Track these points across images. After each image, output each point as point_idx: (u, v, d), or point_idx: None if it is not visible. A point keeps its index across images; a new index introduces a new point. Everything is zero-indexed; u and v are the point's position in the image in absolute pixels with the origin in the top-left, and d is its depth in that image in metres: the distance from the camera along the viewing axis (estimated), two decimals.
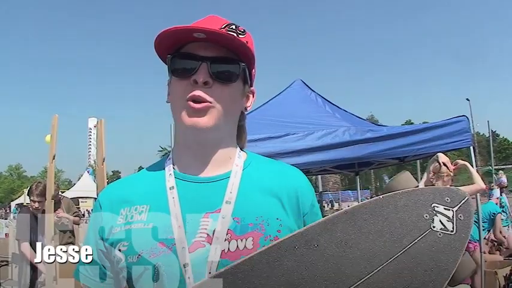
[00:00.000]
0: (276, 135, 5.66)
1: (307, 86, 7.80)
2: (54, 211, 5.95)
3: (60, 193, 7.00)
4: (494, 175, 18.97)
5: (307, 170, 8.43)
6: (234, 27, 1.26)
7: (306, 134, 5.75)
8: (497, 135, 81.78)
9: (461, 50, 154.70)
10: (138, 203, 1.25)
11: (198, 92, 1.20)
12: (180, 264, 1.15)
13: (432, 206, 1.19)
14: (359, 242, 1.13)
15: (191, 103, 1.20)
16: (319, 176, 12.12)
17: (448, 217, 1.17)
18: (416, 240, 1.15)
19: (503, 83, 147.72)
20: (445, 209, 1.18)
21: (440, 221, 1.17)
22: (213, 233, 1.17)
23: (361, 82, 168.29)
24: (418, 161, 13.10)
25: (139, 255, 1.17)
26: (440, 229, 1.16)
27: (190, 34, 1.19)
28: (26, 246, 5.86)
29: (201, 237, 1.18)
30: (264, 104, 7.38)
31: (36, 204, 5.99)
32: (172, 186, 1.25)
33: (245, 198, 1.24)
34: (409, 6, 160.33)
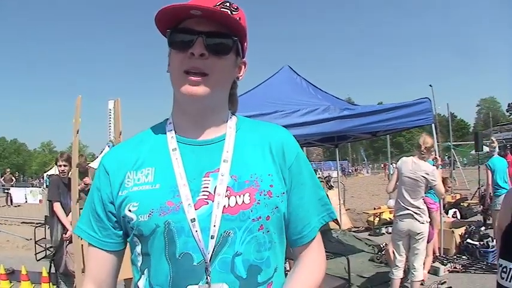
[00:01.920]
0: (265, 112, 5.65)
1: (294, 71, 7.76)
2: (82, 179, 5.93)
3: (87, 164, 6.99)
4: (452, 149, 19.22)
5: None
6: (228, 4, 1.20)
7: (291, 112, 5.75)
8: (455, 116, 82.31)
9: (430, 42, 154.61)
10: (144, 165, 1.22)
11: (195, 63, 1.16)
12: (188, 220, 1.13)
13: None
14: None
15: (190, 76, 1.17)
16: (304, 149, 12.13)
17: None
18: None
19: (462, 71, 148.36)
20: None
21: None
22: (214, 191, 1.16)
23: (342, 68, 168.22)
24: (388, 135, 13.20)
25: (150, 213, 1.14)
26: None
27: (188, 11, 1.14)
28: (57, 206, 5.80)
29: (204, 195, 1.16)
30: (255, 87, 7.38)
31: (62, 168, 5.96)
32: (175, 148, 1.22)
33: (240, 157, 1.22)
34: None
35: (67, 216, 5.64)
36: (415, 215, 4.98)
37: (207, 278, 1.11)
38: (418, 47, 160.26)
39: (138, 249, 1.21)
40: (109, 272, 1.29)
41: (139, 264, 1.22)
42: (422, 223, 4.99)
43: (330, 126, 5.87)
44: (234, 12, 1.19)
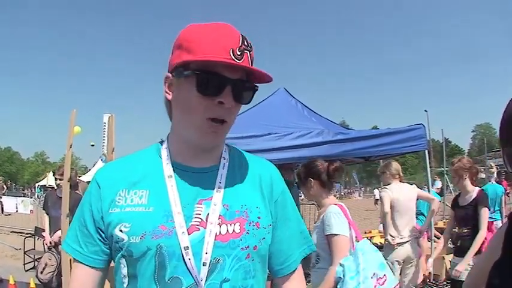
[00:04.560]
0: (258, 134, 5.69)
1: (289, 93, 7.81)
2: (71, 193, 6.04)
3: (78, 177, 7.07)
4: (445, 174, 19.21)
5: (287, 166, 8.47)
6: (246, 43, 1.20)
7: (285, 134, 5.78)
8: (450, 141, 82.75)
9: (426, 67, 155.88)
10: (138, 187, 1.23)
11: (221, 113, 1.19)
12: (181, 247, 1.15)
13: None
14: None
15: (213, 125, 1.19)
16: (296, 171, 12.12)
17: None
18: None
19: (458, 97, 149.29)
20: None
21: None
22: (206, 218, 1.19)
23: (337, 93, 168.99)
24: (381, 160, 13.20)
25: (142, 236, 1.15)
26: None
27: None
28: (43, 218, 6.32)
29: (196, 221, 1.18)
30: (249, 108, 7.38)
31: (58, 181, 6.37)
32: (171, 175, 1.24)
33: (232, 187, 1.26)
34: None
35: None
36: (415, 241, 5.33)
37: None
38: (414, 72, 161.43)
39: (125, 271, 1.22)
40: (94, 286, 1.29)
41: (124, 286, 1.23)
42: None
43: (323, 150, 5.86)
44: (250, 51, 1.21)
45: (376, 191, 32.21)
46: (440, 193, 20.36)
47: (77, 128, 5.75)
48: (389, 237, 5.21)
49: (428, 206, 5.76)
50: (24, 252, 9.25)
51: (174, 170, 1.26)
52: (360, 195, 51.55)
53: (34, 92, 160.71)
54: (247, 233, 1.21)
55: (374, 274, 2.74)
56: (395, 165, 5.52)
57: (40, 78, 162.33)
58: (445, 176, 18.39)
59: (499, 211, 7.91)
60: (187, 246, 1.15)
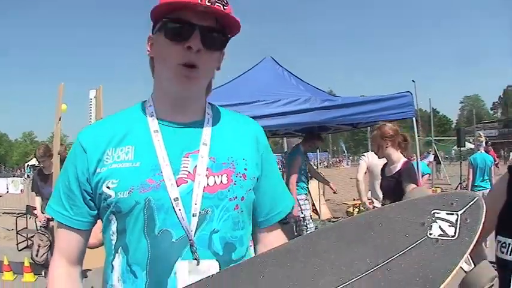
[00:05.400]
0: (245, 102, 5.63)
1: (276, 62, 7.74)
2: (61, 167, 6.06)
3: (67, 153, 7.05)
4: (433, 144, 19.42)
5: (274, 132, 8.55)
6: None
7: (272, 101, 5.74)
8: (438, 112, 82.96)
9: (415, 37, 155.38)
10: (124, 144, 1.24)
11: (191, 58, 1.20)
12: (171, 198, 1.16)
13: (432, 213, 1.04)
14: (340, 253, 1.04)
15: (184, 70, 1.20)
16: (285, 140, 12.16)
17: (451, 222, 1.02)
18: (406, 250, 1.01)
19: (446, 69, 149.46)
20: (447, 213, 1.03)
21: (440, 227, 1.02)
22: (194, 170, 1.20)
23: (325, 60, 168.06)
24: (368, 127, 13.25)
25: (130, 190, 1.17)
26: (439, 235, 1.01)
27: (193, 6, 1.16)
28: (34, 198, 6.41)
29: (183, 174, 1.20)
30: (235, 78, 7.37)
31: (42, 164, 6.36)
32: (157, 130, 1.26)
33: (217, 141, 1.28)
34: None
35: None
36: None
37: (193, 253, 1.16)
38: (403, 43, 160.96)
39: (114, 227, 1.23)
40: (79, 248, 1.32)
41: (113, 242, 1.24)
42: None
43: (311, 117, 5.87)
44: (225, 7, 1.21)
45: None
46: (438, 161, 20.63)
47: (63, 105, 5.70)
48: (366, 201, 5.31)
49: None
50: (17, 232, 9.24)
51: (159, 125, 1.27)
52: (347, 164, 51.79)
53: (18, 70, 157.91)
54: (235, 183, 1.24)
55: None
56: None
57: (23, 56, 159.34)
58: (433, 145, 18.62)
59: (488, 180, 7.94)
60: (177, 197, 1.17)
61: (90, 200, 1.27)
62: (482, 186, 7.81)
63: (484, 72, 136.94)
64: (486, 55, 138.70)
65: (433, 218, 1.04)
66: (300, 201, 6.55)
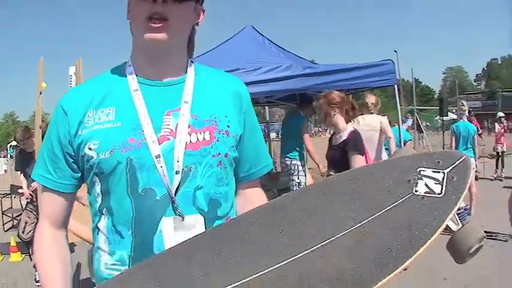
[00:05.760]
0: (225, 70, 5.49)
1: (256, 31, 7.71)
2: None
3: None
4: (416, 113, 19.56)
5: (256, 101, 8.47)
6: None
7: (253, 69, 5.69)
8: (420, 82, 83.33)
9: (397, 8, 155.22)
10: (105, 105, 1.24)
11: (156, 9, 1.17)
12: (152, 156, 1.17)
13: (418, 170, 1.05)
14: (326, 209, 1.04)
15: (152, 23, 1.18)
16: (267, 109, 12.13)
17: (437, 180, 1.02)
18: (392, 206, 1.00)
19: (428, 39, 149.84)
20: (433, 171, 1.04)
21: (426, 184, 1.02)
22: (176, 128, 1.20)
23: (306, 29, 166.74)
24: (350, 96, 13.25)
25: (111, 151, 1.17)
26: (425, 192, 1.01)
27: None
28: (18, 176, 6.39)
29: (165, 131, 1.20)
30: (215, 47, 7.31)
31: (22, 146, 6.42)
32: (137, 89, 1.25)
33: (199, 98, 1.28)
34: None
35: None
36: None
37: (175, 210, 1.17)
38: (386, 14, 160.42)
39: (98, 188, 1.23)
40: (64, 212, 1.33)
41: (97, 205, 1.25)
42: None
43: (292, 84, 5.87)
44: None
45: None
46: (420, 130, 20.85)
47: (43, 84, 5.66)
48: None
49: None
50: (2, 213, 9.16)
51: (139, 85, 1.26)
52: (329, 133, 50.39)
53: None
54: (218, 140, 1.24)
55: None
56: (366, 98, 5.82)
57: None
58: (415, 114, 18.77)
59: (471, 149, 7.98)
60: (159, 155, 1.17)
61: (73, 162, 1.26)
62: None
63: (467, 44, 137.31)
64: (470, 27, 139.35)
65: (419, 176, 1.03)
66: (298, 166, 6.64)
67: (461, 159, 1.05)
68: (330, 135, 4.28)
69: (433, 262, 5.14)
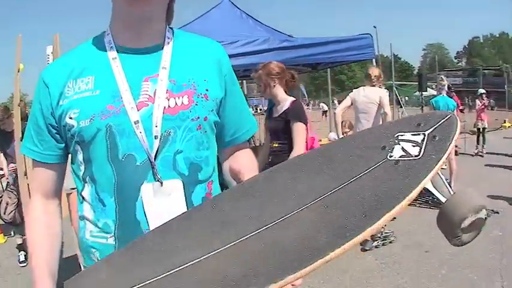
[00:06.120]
0: None
1: (234, 4, 7.62)
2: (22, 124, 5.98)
3: (27, 108, 6.93)
4: (394, 89, 19.64)
5: None
6: None
7: (230, 42, 5.66)
8: (399, 58, 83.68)
9: None
10: (84, 74, 1.23)
11: None
12: (131, 122, 1.17)
13: (396, 135, 0.96)
14: (295, 185, 1.00)
15: None
16: (245, 84, 12.10)
17: (415, 142, 0.93)
18: (361, 174, 0.93)
19: (406, 15, 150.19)
20: (412, 134, 0.95)
21: (402, 148, 0.94)
22: (154, 94, 1.20)
23: (285, 4, 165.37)
24: (329, 71, 13.27)
25: (91, 118, 1.17)
26: (400, 156, 0.92)
27: None
28: (2, 158, 6.15)
29: (144, 97, 1.20)
30: (192, 20, 7.23)
31: (1, 126, 6.17)
32: (115, 57, 1.24)
33: (177, 63, 1.27)
34: None
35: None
36: None
37: (155, 176, 1.17)
38: None
39: (80, 157, 1.24)
40: (54, 182, 1.34)
41: (81, 173, 1.25)
42: None
43: (270, 57, 5.66)
44: None
45: (322, 104, 33.09)
46: (400, 106, 20.97)
47: (21, 65, 5.59)
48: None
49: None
50: None
51: (117, 52, 1.25)
52: (309, 107, 51.07)
53: None
54: (196, 104, 1.23)
55: None
56: (369, 70, 5.85)
57: None
58: (394, 89, 18.81)
59: None
60: (138, 120, 1.17)
61: (56, 133, 1.27)
62: None
63: (447, 21, 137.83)
64: (450, 4, 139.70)
65: (396, 141, 0.96)
66: None
67: (447, 117, 0.95)
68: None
69: (416, 236, 5.26)
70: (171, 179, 1.19)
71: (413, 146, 0.93)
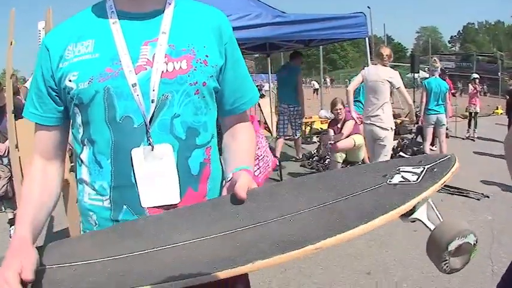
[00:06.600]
0: None
1: None
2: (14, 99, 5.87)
3: (18, 84, 6.83)
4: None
5: None
6: None
7: None
8: (392, 39, 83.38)
9: None
10: (84, 38, 1.24)
11: None
12: (129, 84, 1.17)
13: (397, 168, 1.04)
14: (304, 194, 1.06)
15: None
16: None
17: (415, 172, 1.00)
18: (360, 192, 1.00)
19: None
20: (413, 168, 1.02)
21: (402, 176, 1.00)
22: (153, 58, 1.20)
23: None
24: (321, 47, 13.14)
25: (90, 81, 1.18)
26: (399, 181, 0.98)
27: None
28: None
29: (142, 61, 1.20)
30: None
31: None
32: (116, 21, 1.25)
33: (177, 29, 1.27)
34: None
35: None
36: (377, 122, 5.49)
37: (148, 140, 1.18)
38: None
39: (79, 119, 1.24)
40: (54, 144, 1.33)
41: (79, 136, 1.26)
42: (385, 129, 5.49)
43: (262, 32, 5.81)
44: None
45: (314, 82, 33.11)
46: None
47: (12, 42, 5.51)
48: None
49: None
50: None
51: (118, 17, 1.25)
52: (310, 84, 50.88)
53: None
54: (195, 69, 1.23)
55: None
56: (381, 49, 5.82)
57: None
58: None
59: (442, 105, 7.95)
60: (135, 83, 1.17)
61: (56, 95, 1.28)
62: (436, 111, 7.81)
63: (442, 6, 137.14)
64: None
65: (397, 171, 1.02)
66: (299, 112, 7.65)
67: (447, 156, 1.03)
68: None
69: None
70: (162, 143, 1.19)
71: (413, 175, 1.00)
